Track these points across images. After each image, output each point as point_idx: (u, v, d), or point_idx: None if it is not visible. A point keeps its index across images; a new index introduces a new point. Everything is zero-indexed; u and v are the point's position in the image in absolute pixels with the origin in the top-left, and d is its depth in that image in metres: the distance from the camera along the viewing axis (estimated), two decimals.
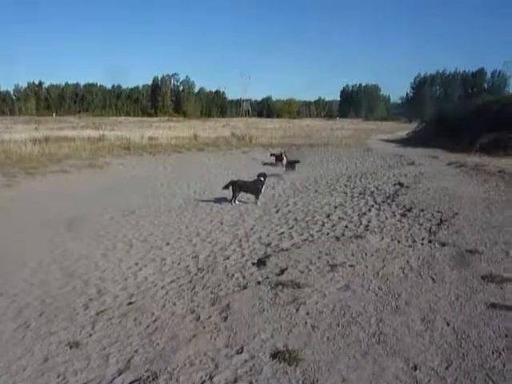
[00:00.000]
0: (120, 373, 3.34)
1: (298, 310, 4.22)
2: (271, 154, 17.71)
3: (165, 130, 34.03)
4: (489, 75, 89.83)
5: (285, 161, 16.34)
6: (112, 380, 3.25)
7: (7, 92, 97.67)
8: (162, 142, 22.39)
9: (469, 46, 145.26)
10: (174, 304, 4.57)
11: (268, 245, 6.80)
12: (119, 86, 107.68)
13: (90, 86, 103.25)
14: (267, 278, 5.18)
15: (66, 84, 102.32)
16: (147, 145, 21.18)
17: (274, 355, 3.46)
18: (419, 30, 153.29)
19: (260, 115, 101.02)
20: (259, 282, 5.03)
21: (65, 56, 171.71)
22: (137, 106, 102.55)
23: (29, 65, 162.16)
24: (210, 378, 3.21)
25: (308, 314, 4.14)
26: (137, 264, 6.19)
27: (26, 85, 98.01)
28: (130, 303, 4.75)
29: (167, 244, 7.08)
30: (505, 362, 3.36)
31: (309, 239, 7.00)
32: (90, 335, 3.97)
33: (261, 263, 5.77)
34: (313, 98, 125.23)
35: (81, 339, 3.89)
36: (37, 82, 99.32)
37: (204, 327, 3.97)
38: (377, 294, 4.58)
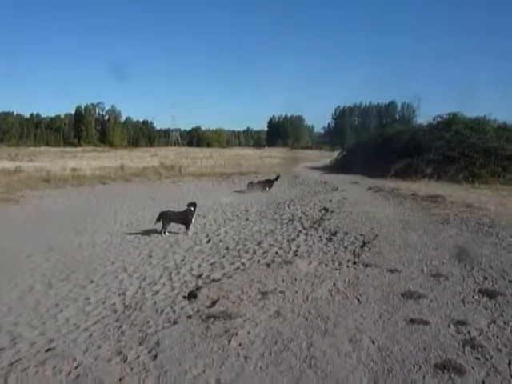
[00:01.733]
0: None
1: (230, 341, 4.15)
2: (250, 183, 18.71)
3: (89, 160, 32.58)
4: (399, 107, 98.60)
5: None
6: None
7: None
8: (86, 173, 21.38)
9: (380, 81, 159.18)
10: (99, 346, 4.26)
11: (199, 276, 6.68)
12: (38, 115, 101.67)
13: (5, 115, 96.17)
14: (198, 311, 5.06)
15: None
16: (70, 176, 20.06)
17: None
18: (338, 66, 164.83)
19: (190, 145, 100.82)
20: (190, 316, 4.88)
21: None
22: (58, 136, 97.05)
23: None
24: None
25: (240, 344, 4.09)
26: (57, 305, 5.73)
27: None
28: (48, 349, 4.34)
29: (91, 282, 6.65)
30: (424, 374, 3.57)
31: (240, 268, 7.00)
32: None
33: (192, 296, 5.63)
34: (241, 128, 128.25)
35: None
36: None
37: (132, 369, 3.74)
38: (307, 319, 4.67)
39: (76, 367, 3.84)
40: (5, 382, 3.69)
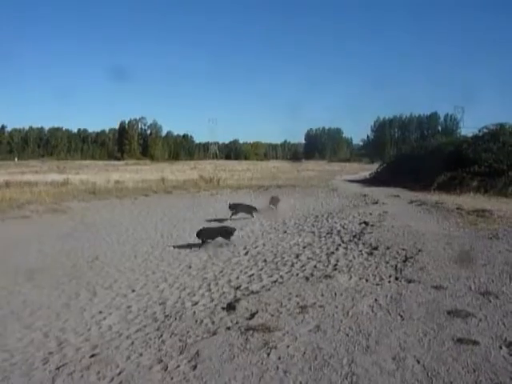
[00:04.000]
0: None
1: (269, 354, 4.12)
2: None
3: (132, 173, 33.75)
4: (441, 118, 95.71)
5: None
6: None
7: None
8: (129, 185, 22.13)
9: (422, 92, 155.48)
10: (141, 354, 4.36)
11: (238, 288, 6.69)
12: (85, 130, 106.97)
13: (54, 130, 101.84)
14: (237, 322, 5.06)
15: (30, 128, 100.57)
16: (113, 189, 20.83)
17: None
18: (377, 75, 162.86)
19: (228, 157, 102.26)
20: (229, 328, 4.89)
21: (29, 99, 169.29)
22: (103, 150, 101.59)
23: None
24: None
25: (279, 358, 4.05)
26: (101, 313, 5.92)
27: None
28: (92, 355, 4.48)
29: (133, 291, 6.83)
30: None
31: (278, 281, 6.95)
32: None
33: (230, 307, 5.65)
34: (279, 141, 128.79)
35: None
36: None
37: (172, 378, 3.79)
38: (347, 334, 4.56)
39: (119, 374, 3.94)
40: None
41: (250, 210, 14.17)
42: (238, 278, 7.32)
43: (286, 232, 11.51)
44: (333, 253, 8.68)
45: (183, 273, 7.79)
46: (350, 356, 4.06)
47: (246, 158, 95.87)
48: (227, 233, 10.09)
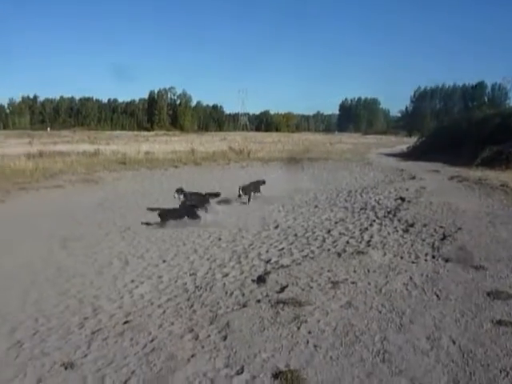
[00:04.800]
0: None
1: (299, 328, 4.19)
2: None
3: (161, 144, 34.19)
4: (489, 88, 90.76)
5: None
6: None
7: (1, 105, 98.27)
8: (159, 156, 22.50)
9: (468, 59, 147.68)
10: (172, 323, 4.54)
11: (268, 261, 6.78)
12: (115, 100, 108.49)
13: (85, 100, 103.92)
14: (267, 295, 5.15)
15: (61, 98, 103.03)
16: (143, 159, 21.26)
17: (276, 375, 3.43)
18: (419, 42, 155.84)
19: (258, 129, 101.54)
20: (259, 300, 4.99)
21: (61, 69, 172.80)
22: (133, 120, 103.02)
23: (24, 78, 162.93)
24: None
25: (310, 332, 4.11)
26: (133, 281, 6.16)
27: (21, 99, 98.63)
28: (126, 322, 4.70)
29: (164, 261, 7.05)
30: None
31: (309, 255, 6.99)
32: (85, 355, 3.92)
33: (260, 280, 5.75)
34: (311, 112, 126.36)
35: (75, 360, 3.85)
36: (31, 96, 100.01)
37: (203, 347, 3.94)
38: (380, 312, 4.56)
39: (151, 341, 4.13)
40: (88, 348, 4.07)
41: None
42: (267, 251, 7.40)
43: (317, 207, 11.46)
44: (366, 229, 8.60)
45: (213, 244, 7.94)
46: (383, 333, 4.07)
47: (277, 130, 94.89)
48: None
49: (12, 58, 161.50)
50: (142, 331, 4.35)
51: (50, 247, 7.86)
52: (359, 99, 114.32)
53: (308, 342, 3.95)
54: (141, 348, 4.01)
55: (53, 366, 3.78)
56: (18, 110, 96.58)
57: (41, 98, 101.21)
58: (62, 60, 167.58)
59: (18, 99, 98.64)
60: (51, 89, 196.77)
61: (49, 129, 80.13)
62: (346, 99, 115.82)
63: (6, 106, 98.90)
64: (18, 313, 5.08)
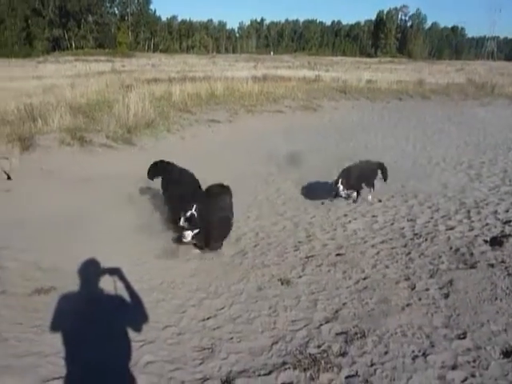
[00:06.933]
0: (327, 321, 3.59)
1: None
2: None
3: (385, 72, 32.83)
4: None
5: None
6: (319, 326, 3.53)
7: (232, 30, 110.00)
8: (382, 86, 21.67)
9: None
10: (387, 266, 4.57)
11: (507, 222, 5.99)
12: (339, 22, 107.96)
13: (308, 23, 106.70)
14: (503, 262, 4.62)
15: (286, 21, 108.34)
16: (364, 88, 20.86)
17: (507, 354, 3.14)
18: None
19: (508, 58, 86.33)
20: (492, 265, 4.52)
21: None
22: (355, 45, 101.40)
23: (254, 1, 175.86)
24: (424, 355, 3.14)
25: None
26: (345, 216, 6.38)
27: (249, 22, 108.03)
28: (338, 254, 4.97)
29: (379, 201, 7.00)
30: None
31: None
32: (300, 277, 4.37)
33: (496, 243, 5.16)
34: None
35: (291, 278, 4.33)
36: (259, 20, 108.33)
37: (420, 299, 3.87)
38: None
39: (364, 279, 4.29)
40: (302, 271, 4.50)
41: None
42: (507, 210, 6.52)
43: None
44: None
45: (436, 193, 7.44)
46: None
47: None
48: None
49: None
50: (354, 267, 4.54)
51: (268, 169, 8.69)
52: None
53: None
54: (353, 283, 4.21)
55: (271, 278, 4.35)
56: (246, 33, 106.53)
57: (267, 22, 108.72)
58: None
59: (247, 23, 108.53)
60: (277, 12, 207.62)
61: (272, 53, 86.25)
62: None
63: (236, 29, 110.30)
64: (245, 224, 5.93)
